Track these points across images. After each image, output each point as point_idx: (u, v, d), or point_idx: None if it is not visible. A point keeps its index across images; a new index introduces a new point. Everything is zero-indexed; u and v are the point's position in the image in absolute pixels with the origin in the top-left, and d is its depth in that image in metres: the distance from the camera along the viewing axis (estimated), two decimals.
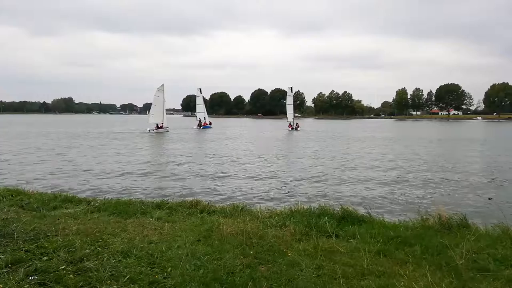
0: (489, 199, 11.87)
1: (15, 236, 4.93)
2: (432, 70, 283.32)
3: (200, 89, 63.31)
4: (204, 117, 61.24)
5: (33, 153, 23.83)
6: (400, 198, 12.10)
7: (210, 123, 62.10)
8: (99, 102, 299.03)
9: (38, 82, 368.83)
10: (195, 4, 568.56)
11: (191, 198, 8.63)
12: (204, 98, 66.83)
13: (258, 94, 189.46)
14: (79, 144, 30.90)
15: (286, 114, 62.52)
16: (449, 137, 48.40)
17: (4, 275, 3.85)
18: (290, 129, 57.38)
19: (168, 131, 47.90)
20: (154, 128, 46.31)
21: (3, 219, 5.67)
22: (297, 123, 59.69)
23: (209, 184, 14.22)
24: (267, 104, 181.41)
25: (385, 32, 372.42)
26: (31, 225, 5.43)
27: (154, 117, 47.11)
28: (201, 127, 58.23)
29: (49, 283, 3.77)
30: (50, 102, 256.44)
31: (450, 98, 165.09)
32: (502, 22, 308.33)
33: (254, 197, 12.02)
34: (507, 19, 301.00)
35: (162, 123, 47.39)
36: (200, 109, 61.74)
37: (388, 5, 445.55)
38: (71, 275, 3.92)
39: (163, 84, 48.34)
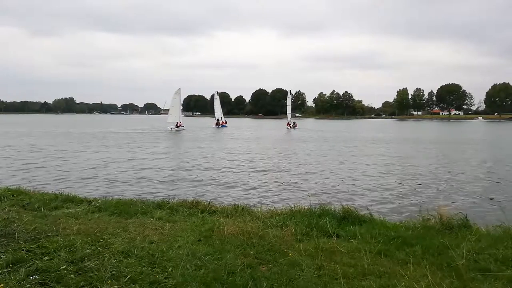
0: (491, 199, 11.87)
1: (16, 236, 4.93)
2: (433, 70, 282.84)
3: (217, 91, 72.26)
4: (221, 117, 67.69)
5: (39, 152, 23.86)
6: (401, 198, 12.09)
7: (226, 122, 68.57)
8: (100, 102, 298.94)
9: (38, 82, 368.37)
10: (195, 4, 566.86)
11: (191, 198, 8.64)
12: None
13: (259, 94, 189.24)
14: (100, 143, 31.20)
15: (286, 114, 70.71)
16: (450, 137, 48.37)
17: (5, 274, 3.85)
18: (288, 127, 63.84)
19: (184, 129, 53.01)
20: (175, 126, 51.99)
21: (4, 219, 5.67)
22: (294, 122, 66.68)
23: (209, 184, 14.22)
24: (267, 104, 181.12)
25: (385, 32, 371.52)
26: (32, 225, 5.43)
27: (172, 117, 53.44)
28: (219, 126, 64.49)
29: (50, 282, 3.77)
30: (51, 102, 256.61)
31: (451, 98, 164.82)
32: (502, 22, 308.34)
33: (255, 197, 12.03)
34: (507, 19, 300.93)
35: (180, 122, 53.14)
36: (218, 110, 68.95)
37: (388, 5, 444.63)
38: (72, 275, 3.92)
39: (180, 88, 54.46)
